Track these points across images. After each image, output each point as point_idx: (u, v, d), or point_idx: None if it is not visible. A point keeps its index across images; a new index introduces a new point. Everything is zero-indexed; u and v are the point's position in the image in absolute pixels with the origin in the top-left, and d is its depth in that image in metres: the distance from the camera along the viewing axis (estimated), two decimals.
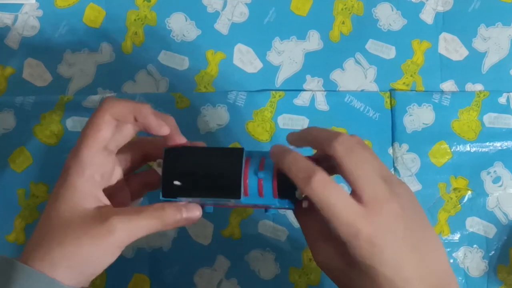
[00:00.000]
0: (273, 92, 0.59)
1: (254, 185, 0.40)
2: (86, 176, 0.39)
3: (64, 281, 0.37)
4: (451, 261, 0.58)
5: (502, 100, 0.60)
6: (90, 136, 0.40)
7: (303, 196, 0.41)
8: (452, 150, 0.59)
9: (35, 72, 0.58)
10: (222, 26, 0.60)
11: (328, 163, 0.39)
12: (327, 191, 0.36)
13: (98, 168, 0.40)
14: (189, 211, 0.41)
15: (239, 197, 0.40)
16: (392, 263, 0.36)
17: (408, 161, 0.58)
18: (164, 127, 0.41)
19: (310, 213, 0.42)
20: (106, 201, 0.41)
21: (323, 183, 0.36)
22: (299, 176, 0.37)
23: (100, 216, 0.38)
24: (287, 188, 0.40)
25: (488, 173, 0.59)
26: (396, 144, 0.59)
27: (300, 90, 0.59)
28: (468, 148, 0.59)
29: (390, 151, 0.59)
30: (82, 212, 0.39)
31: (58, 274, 0.37)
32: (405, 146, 0.59)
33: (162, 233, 0.57)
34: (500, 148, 0.59)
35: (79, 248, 0.38)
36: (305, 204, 0.42)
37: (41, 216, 0.40)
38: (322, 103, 0.59)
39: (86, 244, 0.38)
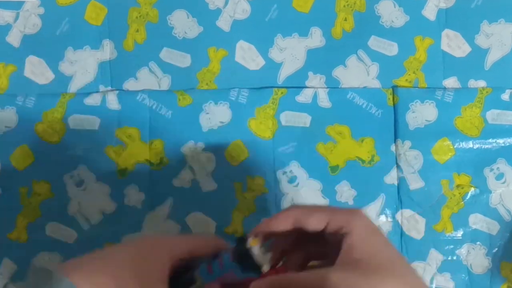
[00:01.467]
0: (276, 89, 0.59)
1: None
2: (161, 266, 0.40)
3: None
4: (454, 258, 0.58)
5: (505, 96, 0.59)
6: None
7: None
8: (455, 147, 0.59)
9: (37, 70, 0.58)
10: (224, 23, 0.59)
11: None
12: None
13: (169, 262, 0.41)
14: None
15: None
16: None
17: (411, 158, 0.58)
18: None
19: None
20: None
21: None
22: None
23: None
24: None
25: (491, 169, 0.59)
26: (399, 141, 0.58)
27: (303, 87, 0.59)
28: (471, 145, 0.59)
29: (393, 148, 0.59)
30: None
31: None
32: (408, 143, 0.58)
33: (165, 231, 0.57)
34: (503, 144, 0.59)
35: None
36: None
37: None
38: (324, 100, 0.59)
39: None
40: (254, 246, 0.43)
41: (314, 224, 0.40)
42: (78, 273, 0.38)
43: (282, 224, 0.41)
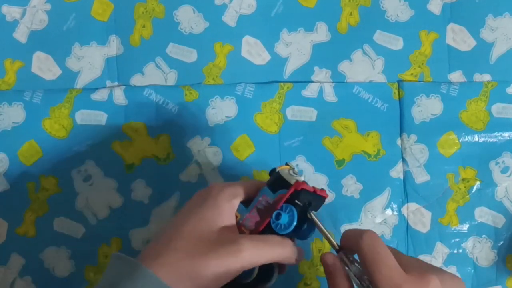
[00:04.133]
0: (282, 83, 0.59)
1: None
2: (231, 204, 0.44)
3: None
4: (460, 251, 0.58)
5: (510, 90, 0.60)
6: None
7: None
8: (460, 140, 0.59)
9: (44, 66, 0.59)
10: (230, 18, 0.60)
11: None
12: (377, 246, 0.40)
13: (237, 200, 0.45)
14: (300, 255, 0.45)
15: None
16: None
17: (416, 152, 0.58)
18: None
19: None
20: (236, 229, 0.44)
21: (373, 239, 0.40)
22: (351, 237, 0.42)
23: (231, 238, 0.42)
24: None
25: (497, 163, 0.59)
26: (405, 135, 0.59)
27: (308, 82, 0.59)
28: (476, 139, 0.59)
29: (399, 142, 0.59)
30: (215, 232, 0.42)
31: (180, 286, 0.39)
32: (413, 137, 0.59)
33: None
34: (508, 138, 0.59)
35: (207, 263, 0.40)
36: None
37: (168, 228, 0.43)
38: (330, 95, 0.59)
39: (215, 261, 0.40)
40: (283, 169, 0.45)
41: None
42: (160, 265, 0.40)
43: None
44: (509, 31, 0.60)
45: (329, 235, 0.43)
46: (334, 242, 0.43)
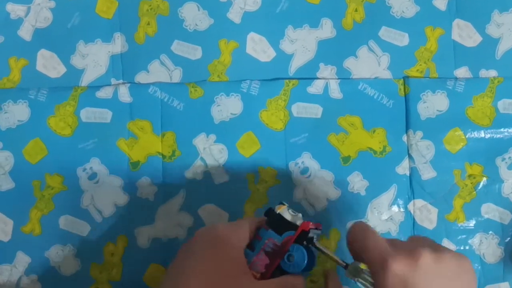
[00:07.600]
0: (287, 80, 0.59)
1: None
2: (241, 250, 0.45)
3: None
4: (467, 248, 0.58)
5: None
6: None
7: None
8: (466, 136, 0.59)
9: (49, 64, 0.58)
10: (234, 15, 0.59)
11: None
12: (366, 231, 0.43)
13: (245, 244, 0.46)
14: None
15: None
16: None
17: (422, 148, 0.58)
18: None
19: None
20: (252, 278, 0.45)
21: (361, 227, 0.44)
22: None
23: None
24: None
25: (503, 159, 0.59)
26: (411, 132, 0.58)
27: (314, 78, 0.59)
28: (482, 135, 0.59)
29: (405, 138, 0.59)
30: (235, 283, 0.43)
31: None
32: (419, 133, 0.58)
33: (178, 223, 0.57)
34: None
35: None
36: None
37: (184, 274, 0.43)
38: (335, 91, 0.59)
39: None
40: (283, 210, 0.47)
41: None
42: None
43: None
44: None
45: (337, 258, 0.46)
46: (341, 261, 0.45)
